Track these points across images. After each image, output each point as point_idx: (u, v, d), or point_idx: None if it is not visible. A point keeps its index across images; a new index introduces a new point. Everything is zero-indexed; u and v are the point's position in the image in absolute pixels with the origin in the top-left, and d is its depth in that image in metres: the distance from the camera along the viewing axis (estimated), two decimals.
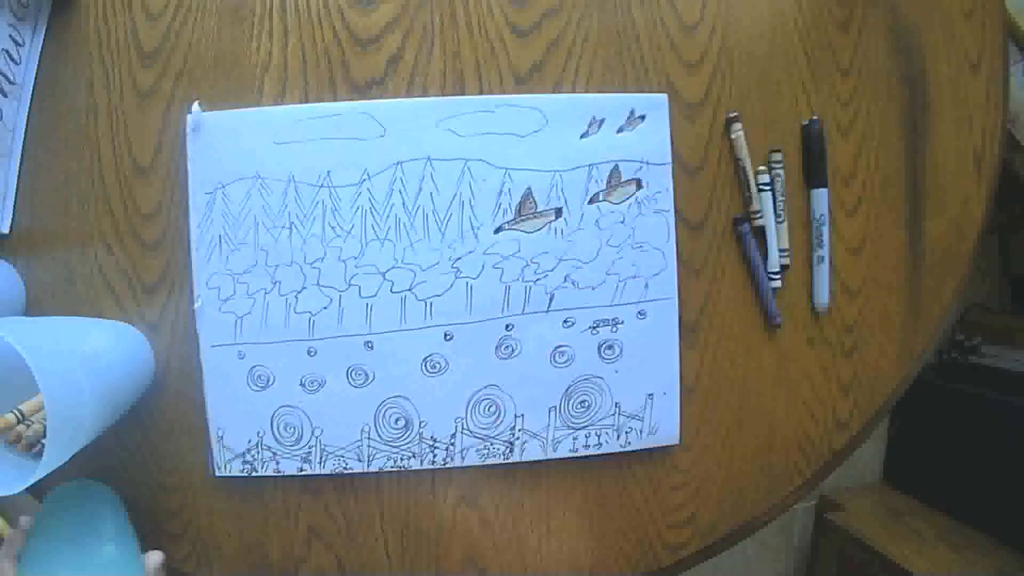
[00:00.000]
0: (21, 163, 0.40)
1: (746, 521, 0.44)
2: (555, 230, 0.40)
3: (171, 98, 0.40)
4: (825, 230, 0.42)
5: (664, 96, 0.41)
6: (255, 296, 0.39)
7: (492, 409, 0.41)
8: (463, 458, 0.41)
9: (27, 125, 0.40)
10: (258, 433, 0.40)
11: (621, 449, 0.42)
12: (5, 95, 0.39)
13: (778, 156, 0.42)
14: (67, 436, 0.31)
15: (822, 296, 0.42)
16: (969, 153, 0.44)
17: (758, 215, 0.42)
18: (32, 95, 0.40)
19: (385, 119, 0.39)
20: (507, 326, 0.40)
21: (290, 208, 0.39)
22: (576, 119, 0.40)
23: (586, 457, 0.42)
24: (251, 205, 0.39)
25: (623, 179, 0.40)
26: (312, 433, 0.40)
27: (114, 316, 0.40)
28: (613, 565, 0.43)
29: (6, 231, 0.40)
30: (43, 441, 0.34)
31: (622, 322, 0.41)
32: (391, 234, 0.39)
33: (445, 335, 0.40)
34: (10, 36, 0.38)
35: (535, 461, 0.41)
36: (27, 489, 0.32)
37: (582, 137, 0.40)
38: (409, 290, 0.40)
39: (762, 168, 0.42)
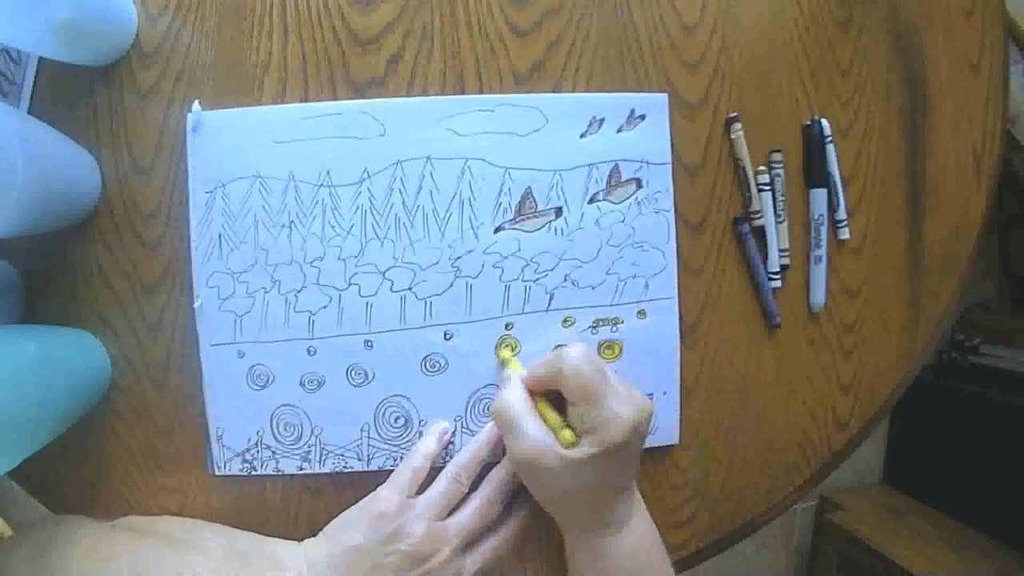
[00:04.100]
0: None
1: (746, 521, 0.44)
2: (555, 229, 0.40)
3: (171, 98, 0.40)
4: (823, 230, 0.42)
5: (664, 96, 0.41)
6: (255, 295, 0.39)
7: (492, 408, 0.40)
8: None
9: None
10: (258, 432, 0.40)
11: None
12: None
13: (778, 156, 0.42)
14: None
15: (818, 296, 0.42)
16: (969, 153, 0.44)
17: (758, 215, 0.42)
18: (32, 95, 0.40)
19: (385, 118, 0.39)
20: (507, 325, 0.40)
21: (290, 207, 0.39)
22: (576, 118, 0.40)
23: None
24: (251, 204, 0.39)
25: (623, 179, 0.40)
26: (312, 432, 0.40)
27: (114, 316, 0.40)
28: None
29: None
30: None
31: (622, 322, 0.41)
32: (391, 233, 0.39)
33: (445, 334, 0.40)
34: None
35: None
36: None
37: (582, 136, 0.40)
38: (409, 289, 0.40)
39: (762, 168, 0.42)
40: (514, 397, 0.35)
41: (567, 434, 0.34)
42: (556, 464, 0.33)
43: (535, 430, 0.34)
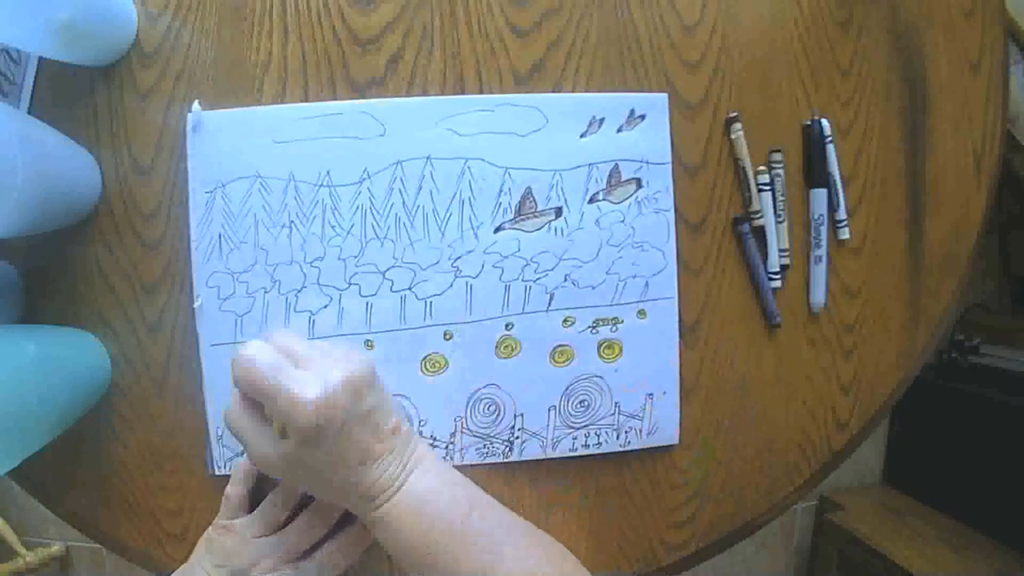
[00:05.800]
0: None
1: (746, 521, 0.44)
2: (555, 229, 0.40)
3: (171, 98, 0.40)
4: (823, 230, 0.42)
5: (664, 95, 0.41)
6: (255, 295, 0.39)
7: (492, 408, 0.41)
8: (463, 457, 0.41)
9: None
10: None
11: (621, 449, 0.42)
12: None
13: (778, 156, 0.42)
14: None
15: (818, 296, 0.42)
16: (969, 153, 0.44)
17: (758, 215, 0.42)
18: (32, 95, 0.40)
19: (385, 118, 0.39)
20: (507, 325, 0.40)
21: (290, 207, 0.39)
22: (576, 118, 0.40)
23: (586, 456, 0.42)
24: (251, 204, 0.39)
25: (623, 178, 0.40)
26: None
27: (114, 316, 0.40)
28: (613, 565, 0.43)
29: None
30: None
31: (622, 322, 0.41)
32: (391, 233, 0.39)
33: (445, 334, 0.40)
34: None
35: (535, 460, 0.41)
36: None
37: (582, 136, 0.40)
38: (409, 289, 0.40)
39: (762, 168, 0.42)
40: (232, 401, 0.35)
41: (276, 426, 0.33)
42: (279, 461, 0.33)
43: (252, 433, 0.33)
